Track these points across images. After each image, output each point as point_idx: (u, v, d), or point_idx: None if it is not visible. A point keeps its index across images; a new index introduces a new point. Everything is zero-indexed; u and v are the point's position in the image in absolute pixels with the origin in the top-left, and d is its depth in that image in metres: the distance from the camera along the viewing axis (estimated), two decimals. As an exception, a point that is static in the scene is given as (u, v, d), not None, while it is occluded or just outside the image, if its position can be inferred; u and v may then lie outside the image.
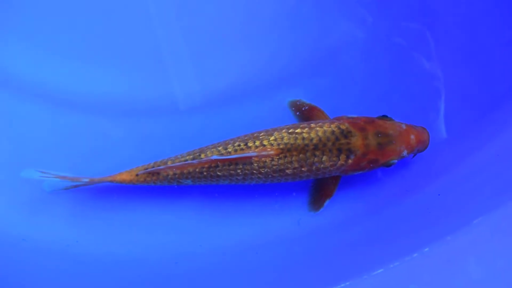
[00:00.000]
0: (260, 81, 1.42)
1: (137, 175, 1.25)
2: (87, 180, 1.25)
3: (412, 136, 1.25)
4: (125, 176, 1.26)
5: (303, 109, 1.35)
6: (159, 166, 1.24)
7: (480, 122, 1.37)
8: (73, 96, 1.40)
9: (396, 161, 1.25)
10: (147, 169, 1.25)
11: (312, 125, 1.23)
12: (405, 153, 1.24)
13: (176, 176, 1.24)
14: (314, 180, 1.31)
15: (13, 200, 1.32)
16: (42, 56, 1.42)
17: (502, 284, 1.05)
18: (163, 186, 1.28)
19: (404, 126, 1.25)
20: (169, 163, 1.24)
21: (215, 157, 1.21)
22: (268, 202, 1.33)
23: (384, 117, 1.27)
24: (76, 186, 1.26)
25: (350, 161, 1.21)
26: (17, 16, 1.43)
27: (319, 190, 1.31)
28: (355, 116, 1.27)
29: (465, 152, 1.33)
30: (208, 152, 1.23)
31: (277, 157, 1.20)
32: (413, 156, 1.30)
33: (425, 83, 1.42)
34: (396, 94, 1.42)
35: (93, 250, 1.29)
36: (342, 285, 1.07)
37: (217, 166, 1.22)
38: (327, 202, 1.30)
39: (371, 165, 1.23)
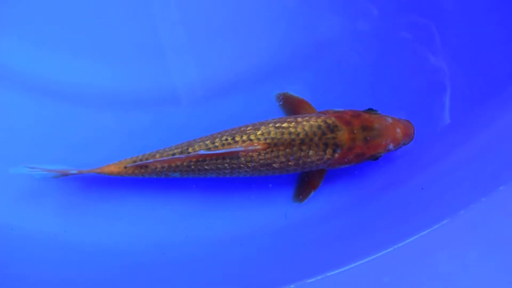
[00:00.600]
0: (251, 73, 1.41)
1: (125, 167, 1.25)
2: (75, 172, 1.26)
3: (398, 130, 1.25)
4: (113, 168, 1.26)
5: (290, 102, 1.36)
6: (147, 159, 1.25)
7: (467, 117, 1.38)
8: (67, 88, 1.39)
9: (382, 154, 1.26)
10: (135, 161, 1.25)
11: (299, 119, 1.23)
12: (391, 146, 1.25)
13: (164, 169, 1.24)
14: (300, 172, 1.32)
15: (2, 190, 1.32)
16: (36, 48, 1.40)
17: (471, 278, 1.08)
18: (151, 178, 1.28)
19: (390, 120, 1.26)
20: (157, 156, 1.24)
21: (202, 152, 1.21)
22: (253, 194, 1.35)
23: (370, 110, 1.27)
24: (65, 175, 1.27)
25: (336, 155, 1.22)
26: (5, 7, 1.40)
27: (305, 182, 1.33)
28: (341, 109, 1.27)
29: (450, 146, 1.34)
30: (196, 146, 1.23)
31: (264, 152, 1.21)
32: (396, 149, 1.31)
33: (429, 77, 1.42)
34: (400, 88, 1.42)
35: (81, 239, 1.30)
36: (321, 276, 1.10)
37: (204, 160, 1.22)
38: (312, 194, 1.32)
39: (357, 158, 1.24)
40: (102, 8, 1.42)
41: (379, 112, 1.27)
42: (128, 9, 1.43)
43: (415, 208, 1.24)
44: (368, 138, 1.23)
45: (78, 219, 1.32)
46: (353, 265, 1.10)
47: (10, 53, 1.39)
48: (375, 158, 1.26)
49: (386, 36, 1.44)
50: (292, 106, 1.35)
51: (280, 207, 1.33)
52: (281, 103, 1.36)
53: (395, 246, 1.09)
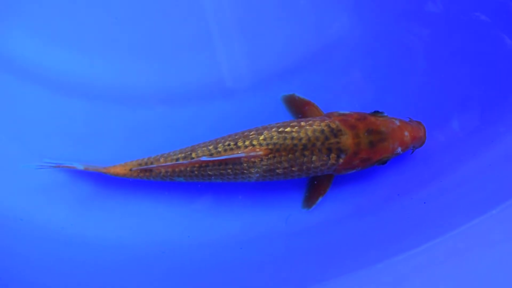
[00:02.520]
0: (258, 75, 1.38)
1: (130, 170, 1.25)
2: (81, 168, 1.27)
3: (406, 133, 1.20)
4: (119, 169, 1.26)
5: (296, 104, 1.32)
6: (152, 163, 1.24)
7: (481, 127, 1.33)
8: (80, 82, 1.38)
9: (390, 158, 1.21)
10: (140, 164, 1.24)
11: (302, 123, 1.19)
12: (399, 150, 1.21)
13: (168, 174, 1.23)
14: (307, 177, 1.29)
15: (12, 183, 1.33)
16: (54, 41, 1.39)
17: None
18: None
19: (397, 122, 1.21)
20: (162, 161, 1.23)
21: (204, 158, 1.19)
22: (258, 197, 1.33)
23: (376, 112, 1.22)
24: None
25: (341, 160, 1.18)
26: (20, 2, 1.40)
27: (312, 187, 1.29)
28: (347, 112, 1.23)
29: (464, 156, 1.30)
30: (199, 151, 1.21)
31: (266, 158, 1.18)
32: (412, 152, 1.25)
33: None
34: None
35: (85, 233, 1.31)
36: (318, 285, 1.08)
37: (207, 166, 1.21)
38: (320, 199, 1.28)
39: (364, 163, 1.20)
40: (114, 5, 1.41)
41: (385, 114, 1.22)
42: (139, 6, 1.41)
43: (415, 222, 1.20)
44: (374, 142, 1.18)
45: (85, 213, 1.33)
46: (350, 275, 1.07)
47: (21, 46, 1.39)
48: (382, 162, 1.21)
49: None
50: (298, 108, 1.31)
51: (283, 212, 1.31)
52: (286, 105, 1.32)
53: (392, 259, 1.06)
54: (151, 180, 1.27)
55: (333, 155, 1.18)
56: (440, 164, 1.31)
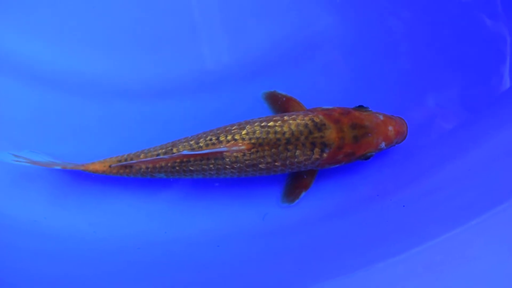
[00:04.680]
0: (239, 69, 1.37)
1: (110, 166, 1.22)
2: (59, 167, 1.23)
3: (390, 128, 1.20)
4: (97, 166, 1.23)
5: (278, 101, 1.31)
6: (132, 159, 1.21)
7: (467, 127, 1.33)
8: (60, 75, 1.36)
9: (374, 153, 1.20)
10: (120, 161, 1.22)
11: (286, 117, 1.18)
12: (383, 145, 1.20)
13: (149, 170, 1.21)
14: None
15: None
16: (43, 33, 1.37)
17: None
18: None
19: (381, 117, 1.20)
20: (142, 157, 1.20)
21: (185, 152, 1.17)
22: (237, 193, 1.31)
23: (360, 107, 1.21)
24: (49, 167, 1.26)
25: (325, 154, 1.17)
26: None
27: (295, 181, 1.28)
28: (330, 107, 1.22)
29: (443, 158, 1.29)
30: (180, 147, 1.19)
31: (249, 152, 1.16)
32: (389, 147, 1.25)
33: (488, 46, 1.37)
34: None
35: (59, 225, 1.28)
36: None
37: (189, 161, 1.18)
38: (303, 194, 1.27)
39: (347, 158, 1.19)
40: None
41: (370, 109, 1.21)
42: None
43: (393, 227, 1.18)
44: (358, 136, 1.17)
45: (59, 206, 1.31)
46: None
47: (11, 41, 1.36)
48: (366, 157, 1.20)
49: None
50: (280, 105, 1.30)
51: (262, 209, 1.29)
52: (268, 102, 1.31)
53: (367, 268, 1.05)
54: (131, 177, 1.24)
55: (317, 150, 1.16)
56: (421, 166, 1.31)
